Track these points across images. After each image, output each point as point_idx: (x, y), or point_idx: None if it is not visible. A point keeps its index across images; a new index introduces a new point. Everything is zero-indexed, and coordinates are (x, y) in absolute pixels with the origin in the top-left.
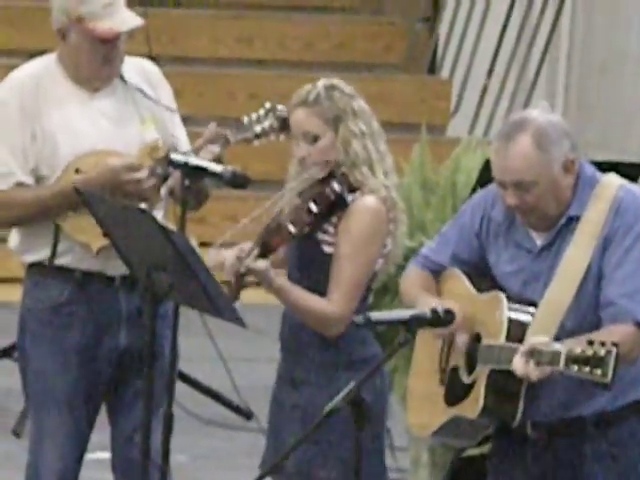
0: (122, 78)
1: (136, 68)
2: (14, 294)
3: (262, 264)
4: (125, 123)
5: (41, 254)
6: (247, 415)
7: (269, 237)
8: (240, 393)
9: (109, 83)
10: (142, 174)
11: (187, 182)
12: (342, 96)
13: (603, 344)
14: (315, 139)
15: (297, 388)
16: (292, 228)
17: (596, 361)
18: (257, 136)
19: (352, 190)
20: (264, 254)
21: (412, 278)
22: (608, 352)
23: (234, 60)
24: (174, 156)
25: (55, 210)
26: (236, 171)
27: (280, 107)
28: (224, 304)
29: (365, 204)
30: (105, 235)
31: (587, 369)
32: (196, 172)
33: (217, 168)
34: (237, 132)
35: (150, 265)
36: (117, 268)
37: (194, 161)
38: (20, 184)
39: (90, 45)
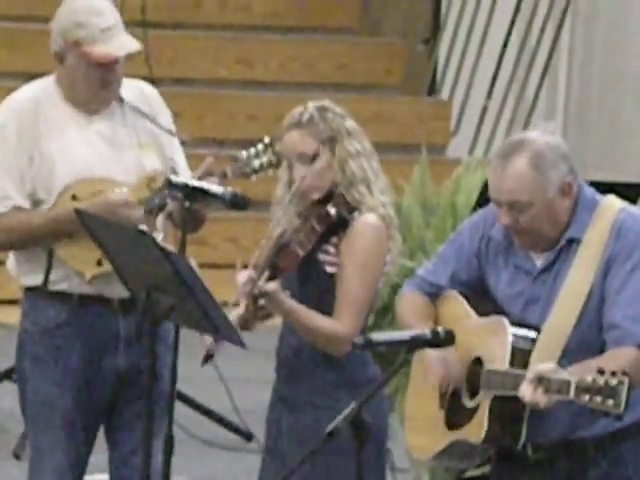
0: (121, 100)
1: (135, 91)
2: (14, 316)
3: (273, 285)
4: (123, 147)
5: (37, 278)
6: (247, 436)
7: (277, 259)
8: (240, 414)
9: (107, 106)
10: (136, 214)
11: (187, 204)
12: (335, 117)
13: (614, 374)
14: (311, 160)
15: (296, 409)
16: (299, 249)
17: (608, 391)
18: (255, 171)
19: (350, 209)
20: (273, 276)
21: (409, 302)
22: (620, 382)
23: (234, 82)
24: (174, 178)
25: (48, 236)
26: (236, 193)
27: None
28: (225, 325)
29: (366, 223)
30: (104, 256)
31: (599, 399)
32: (197, 194)
33: (218, 190)
34: (235, 166)
35: (150, 286)
36: (115, 291)
37: (194, 183)
38: (17, 208)
39: (87, 69)
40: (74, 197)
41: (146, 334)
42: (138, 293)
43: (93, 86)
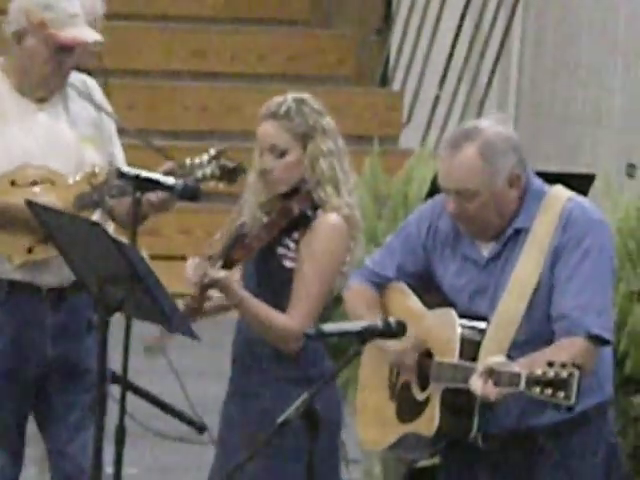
0: (71, 86)
1: (78, 83)
2: None
3: (224, 273)
4: (64, 139)
5: None
6: (200, 428)
7: (232, 250)
8: (193, 407)
9: (53, 95)
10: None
11: (138, 195)
12: (312, 112)
13: (564, 365)
14: (282, 154)
15: (250, 402)
16: (255, 242)
17: (558, 383)
18: (197, 181)
19: (314, 207)
20: (227, 266)
21: (356, 294)
22: (570, 374)
23: (187, 73)
24: (125, 169)
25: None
26: (187, 183)
27: (224, 157)
28: (177, 317)
29: (328, 222)
30: (37, 245)
31: (549, 391)
32: (147, 184)
33: (169, 180)
34: (177, 174)
35: (102, 278)
36: (45, 280)
37: (145, 174)
38: None
39: (48, 52)
40: (13, 183)
41: (97, 326)
42: (90, 284)
43: (47, 70)
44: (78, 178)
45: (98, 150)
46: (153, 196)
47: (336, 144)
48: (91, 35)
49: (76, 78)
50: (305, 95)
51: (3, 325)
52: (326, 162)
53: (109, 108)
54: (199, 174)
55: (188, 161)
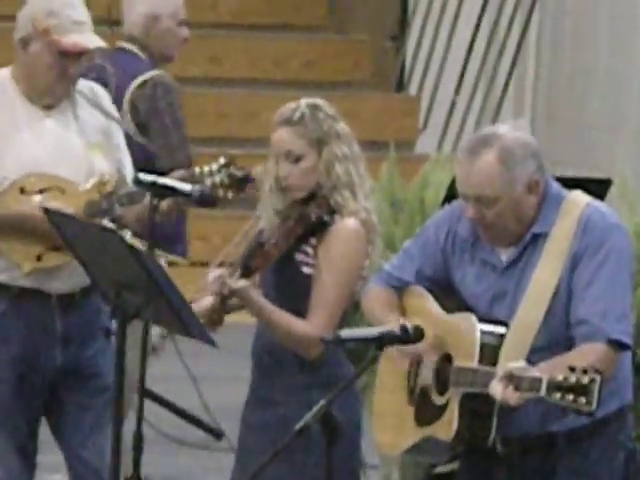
0: (82, 94)
1: (86, 90)
2: None
3: (244, 283)
4: (73, 146)
5: None
6: (217, 435)
7: (251, 259)
8: (210, 413)
9: (60, 102)
10: None
11: (155, 202)
12: (326, 118)
13: (585, 371)
14: (297, 160)
15: (270, 408)
16: (274, 250)
17: (580, 389)
18: (218, 199)
19: (331, 212)
20: (246, 275)
21: (375, 297)
22: (592, 380)
23: (203, 79)
24: (142, 176)
25: (9, 229)
26: (204, 190)
27: (234, 166)
28: (194, 323)
29: (346, 227)
30: (72, 253)
31: (571, 397)
32: (164, 191)
33: (185, 187)
34: (187, 182)
35: (119, 285)
36: (54, 287)
37: (162, 180)
38: None
39: (51, 57)
40: (22, 190)
41: (115, 332)
42: (108, 291)
43: (52, 77)
44: (88, 186)
45: (106, 157)
46: (163, 204)
47: (351, 149)
48: (94, 42)
49: (84, 85)
50: (319, 100)
51: (13, 331)
52: (342, 167)
53: (117, 115)
54: (208, 182)
55: (197, 169)
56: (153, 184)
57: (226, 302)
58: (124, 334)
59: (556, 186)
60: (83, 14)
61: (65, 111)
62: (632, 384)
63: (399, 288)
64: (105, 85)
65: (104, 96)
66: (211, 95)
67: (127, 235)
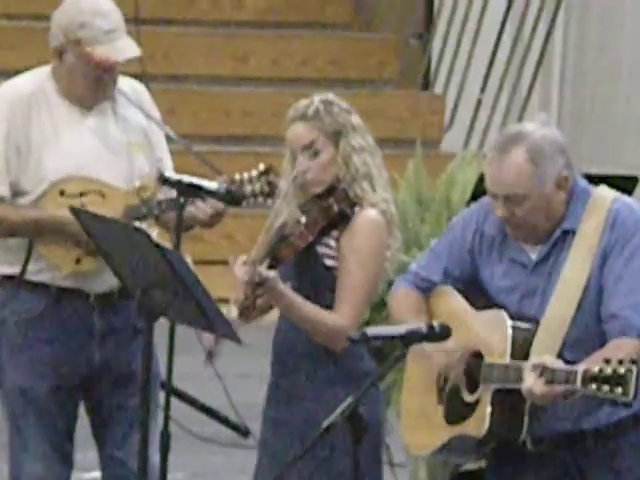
0: (114, 98)
1: (126, 88)
2: None
3: (273, 273)
4: (114, 147)
5: (14, 268)
6: (244, 432)
7: (277, 249)
8: (237, 410)
9: (100, 103)
10: None
11: (182, 200)
12: (340, 111)
13: (621, 362)
14: (316, 154)
15: (294, 403)
16: (300, 241)
17: (616, 379)
18: (244, 197)
19: (351, 204)
20: (272, 266)
21: (402, 298)
22: (629, 370)
23: (229, 78)
24: (168, 174)
25: (48, 234)
26: (230, 188)
27: (273, 173)
28: (220, 321)
29: (368, 218)
30: (85, 256)
31: (607, 388)
32: (191, 189)
33: (211, 185)
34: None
35: (146, 283)
36: (93, 287)
37: (188, 179)
38: None
39: (85, 68)
40: (62, 193)
41: (142, 331)
42: (134, 290)
43: (90, 84)
44: (128, 191)
45: (147, 157)
46: (201, 213)
47: (367, 141)
48: (127, 52)
49: (125, 83)
50: (330, 95)
51: (52, 330)
52: (359, 158)
53: (158, 114)
54: (247, 190)
55: (237, 176)
56: (179, 182)
57: (257, 290)
58: (151, 332)
59: (583, 182)
60: (114, 20)
61: (105, 110)
62: None
63: (426, 288)
64: None
65: (145, 94)
66: (237, 93)
67: (154, 233)
